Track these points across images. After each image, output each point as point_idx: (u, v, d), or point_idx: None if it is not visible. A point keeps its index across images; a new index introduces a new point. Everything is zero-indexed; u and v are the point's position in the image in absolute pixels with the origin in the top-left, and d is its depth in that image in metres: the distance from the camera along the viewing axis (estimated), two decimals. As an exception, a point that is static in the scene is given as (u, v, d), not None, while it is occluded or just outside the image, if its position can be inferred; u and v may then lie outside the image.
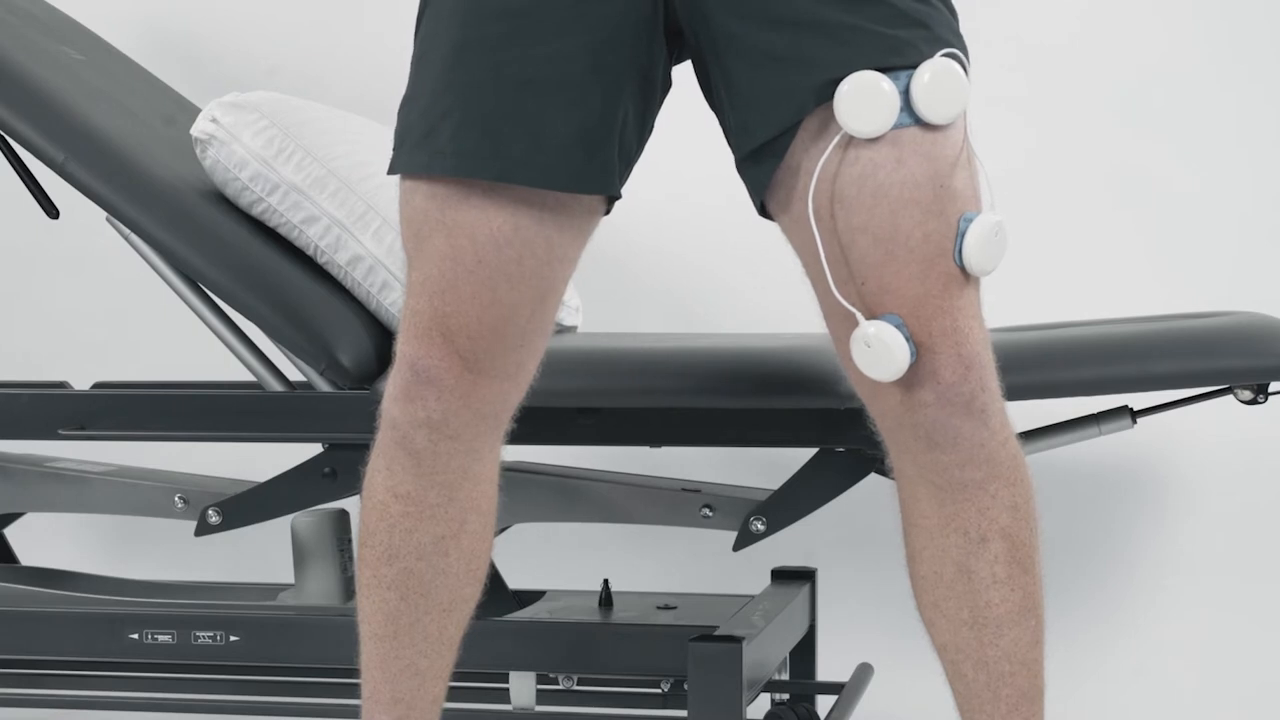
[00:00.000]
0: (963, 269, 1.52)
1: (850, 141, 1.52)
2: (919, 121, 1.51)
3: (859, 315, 1.52)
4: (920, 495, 1.58)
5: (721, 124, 1.63)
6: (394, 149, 1.63)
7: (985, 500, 1.56)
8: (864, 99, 1.50)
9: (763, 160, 1.56)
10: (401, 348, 1.62)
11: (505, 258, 1.59)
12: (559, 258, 1.62)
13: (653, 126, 1.65)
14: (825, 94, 1.51)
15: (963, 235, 1.52)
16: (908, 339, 1.50)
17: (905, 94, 1.51)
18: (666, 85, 1.63)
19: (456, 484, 1.66)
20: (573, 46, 1.55)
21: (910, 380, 1.52)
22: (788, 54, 1.53)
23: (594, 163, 1.58)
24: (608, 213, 1.66)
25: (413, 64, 1.64)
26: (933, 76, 1.51)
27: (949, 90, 1.52)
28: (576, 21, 1.55)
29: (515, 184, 1.57)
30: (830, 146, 1.52)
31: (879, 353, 1.50)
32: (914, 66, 1.51)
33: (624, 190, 1.63)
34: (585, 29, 1.55)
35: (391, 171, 1.62)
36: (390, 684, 1.69)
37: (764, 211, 1.61)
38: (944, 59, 1.51)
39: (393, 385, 1.63)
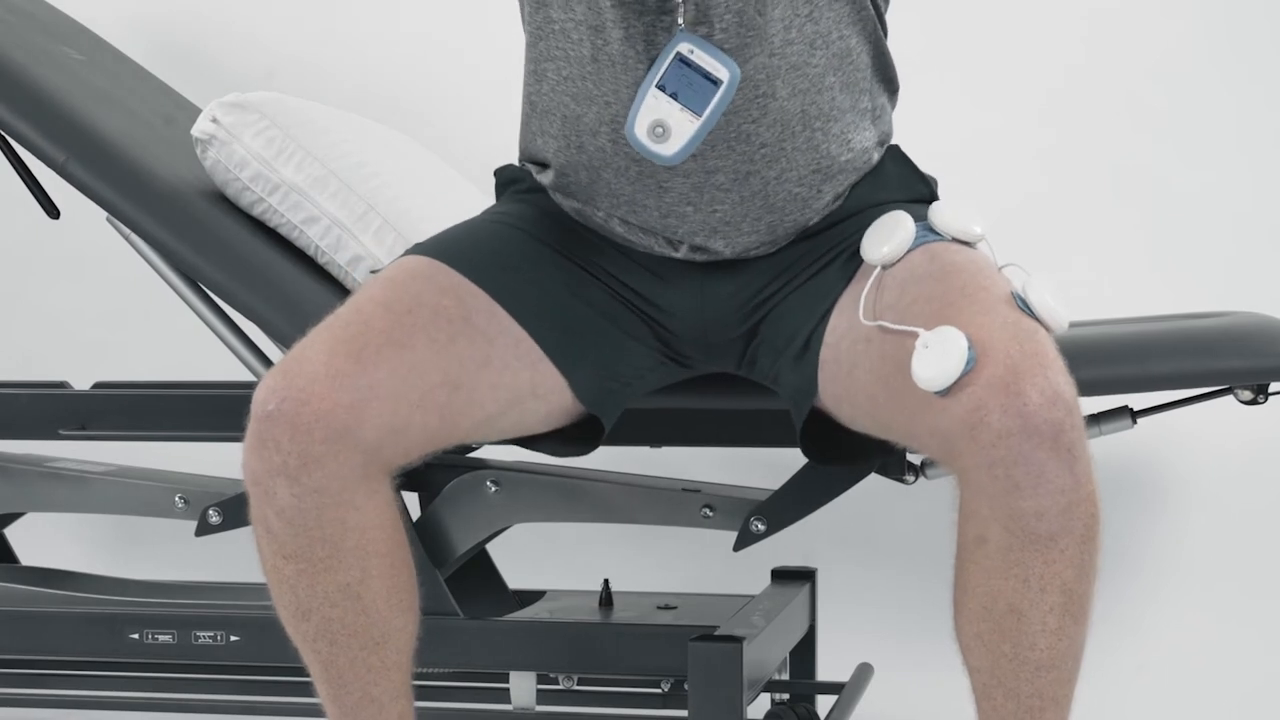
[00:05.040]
0: (1033, 317, 1.52)
1: (884, 274, 1.62)
2: (942, 238, 1.64)
3: (920, 331, 1.50)
4: (988, 536, 1.50)
5: (776, 384, 1.75)
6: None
7: (1054, 554, 1.48)
8: (885, 229, 1.64)
9: (807, 354, 1.66)
10: (253, 403, 1.53)
11: (438, 325, 1.58)
12: (490, 380, 1.63)
13: (650, 385, 1.78)
14: (852, 267, 1.66)
15: (1022, 293, 1.53)
16: (970, 346, 1.46)
17: (924, 226, 1.65)
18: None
19: (338, 538, 1.55)
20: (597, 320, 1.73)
21: (991, 406, 1.44)
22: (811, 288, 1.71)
23: (570, 342, 1.67)
24: (575, 452, 1.77)
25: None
26: (945, 207, 1.66)
27: (964, 217, 1.64)
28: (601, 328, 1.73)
29: (491, 296, 1.64)
30: (868, 285, 1.61)
31: (936, 353, 1.47)
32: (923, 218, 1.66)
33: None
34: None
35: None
36: (351, 715, 1.65)
37: (815, 433, 1.71)
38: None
39: (245, 441, 1.54)
